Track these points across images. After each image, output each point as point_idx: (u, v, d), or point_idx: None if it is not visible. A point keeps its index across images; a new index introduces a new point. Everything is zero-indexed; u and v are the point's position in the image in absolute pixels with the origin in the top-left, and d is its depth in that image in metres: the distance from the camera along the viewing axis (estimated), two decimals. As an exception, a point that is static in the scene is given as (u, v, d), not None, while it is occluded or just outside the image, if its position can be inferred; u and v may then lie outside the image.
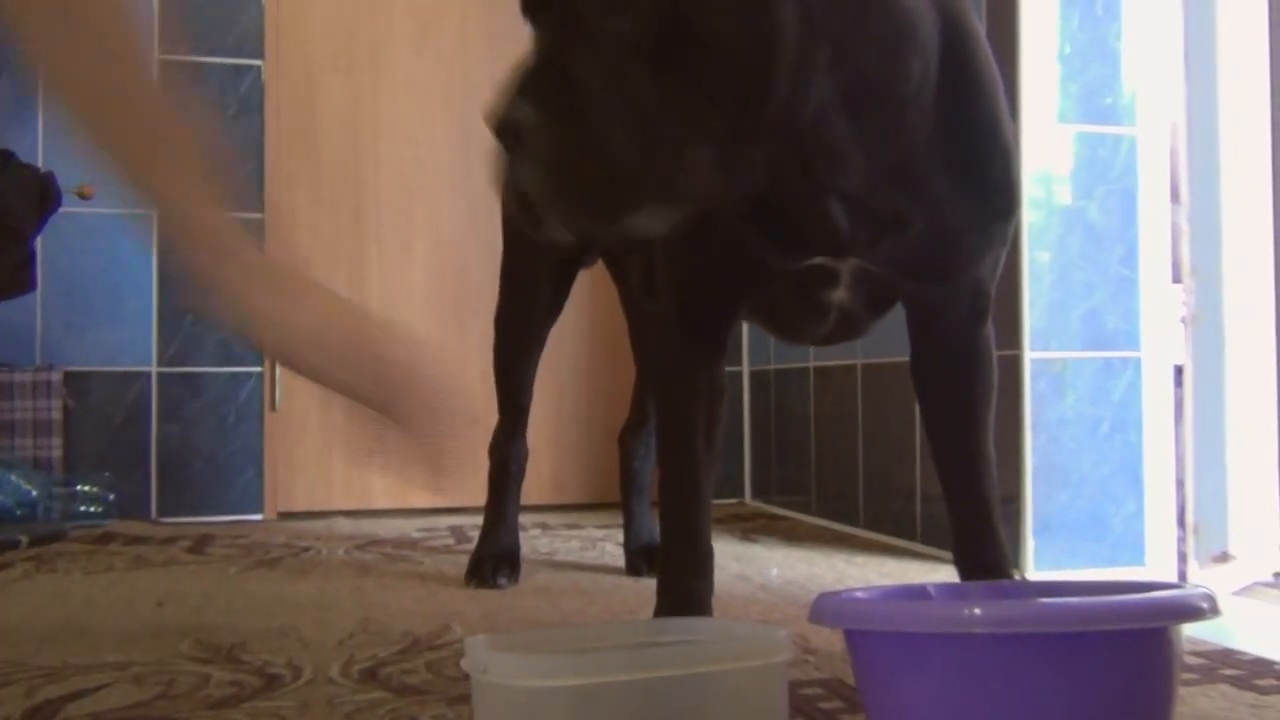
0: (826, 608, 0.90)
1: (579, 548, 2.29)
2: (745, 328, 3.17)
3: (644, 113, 0.86)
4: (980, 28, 1.17)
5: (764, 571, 1.97)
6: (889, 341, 2.40)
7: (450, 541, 2.38)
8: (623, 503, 2.03)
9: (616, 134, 0.85)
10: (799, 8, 0.90)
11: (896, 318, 2.41)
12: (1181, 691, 1.09)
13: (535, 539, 2.40)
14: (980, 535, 1.29)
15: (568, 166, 0.85)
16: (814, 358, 2.78)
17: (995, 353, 1.30)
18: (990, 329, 1.28)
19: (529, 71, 0.86)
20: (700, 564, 1.24)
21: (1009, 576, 1.30)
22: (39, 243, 2.59)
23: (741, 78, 0.89)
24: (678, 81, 0.87)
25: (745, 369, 3.19)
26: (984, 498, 1.29)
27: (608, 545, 2.28)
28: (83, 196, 2.75)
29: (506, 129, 0.85)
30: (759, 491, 3.08)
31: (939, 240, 1.13)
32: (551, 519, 2.79)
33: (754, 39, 0.88)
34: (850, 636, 0.90)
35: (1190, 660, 1.28)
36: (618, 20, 0.85)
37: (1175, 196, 2.07)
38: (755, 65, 0.89)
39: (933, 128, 1.05)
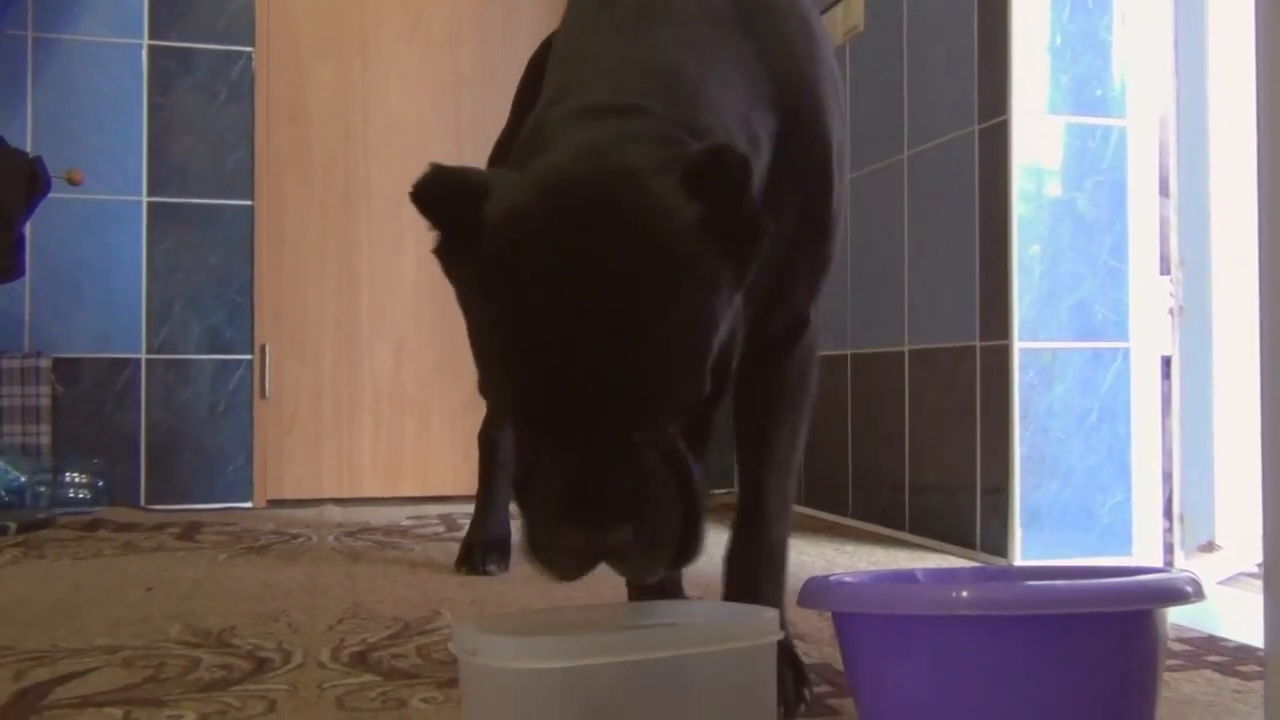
0: (815, 591, 0.90)
1: (569, 536, 2.29)
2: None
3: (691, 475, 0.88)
4: (821, 64, 1.13)
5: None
6: (879, 332, 2.41)
7: (440, 529, 2.38)
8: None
9: (688, 495, 0.87)
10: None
11: (887, 306, 2.42)
12: (1166, 677, 1.10)
13: (525, 527, 2.40)
14: (745, 550, 1.18)
15: (666, 543, 0.86)
16: (804, 348, 2.78)
17: (811, 372, 1.24)
18: (806, 350, 1.22)
19: (593, 492, 0.83)
20: None
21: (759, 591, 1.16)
22: (28, 228, 2.58)
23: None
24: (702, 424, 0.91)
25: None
26: (757, 504, 1.20)
27: (597, 533, 2.28)
28: (72, 182, 2.74)
29: (616, 551, 0.84)
30: (748, 481, 3.09)
31: (775, 280, 1.10)
32: (541, 508, 2.79)
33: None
34: (838, 620, 0.90)
35: (1175, 647, 1.29)
36: (663, 420, 0.84)
37: (1164, 189, 2.08)
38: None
39: (776, 186, 1.06)
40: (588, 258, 0.81)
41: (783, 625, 0.99)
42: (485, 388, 0.88)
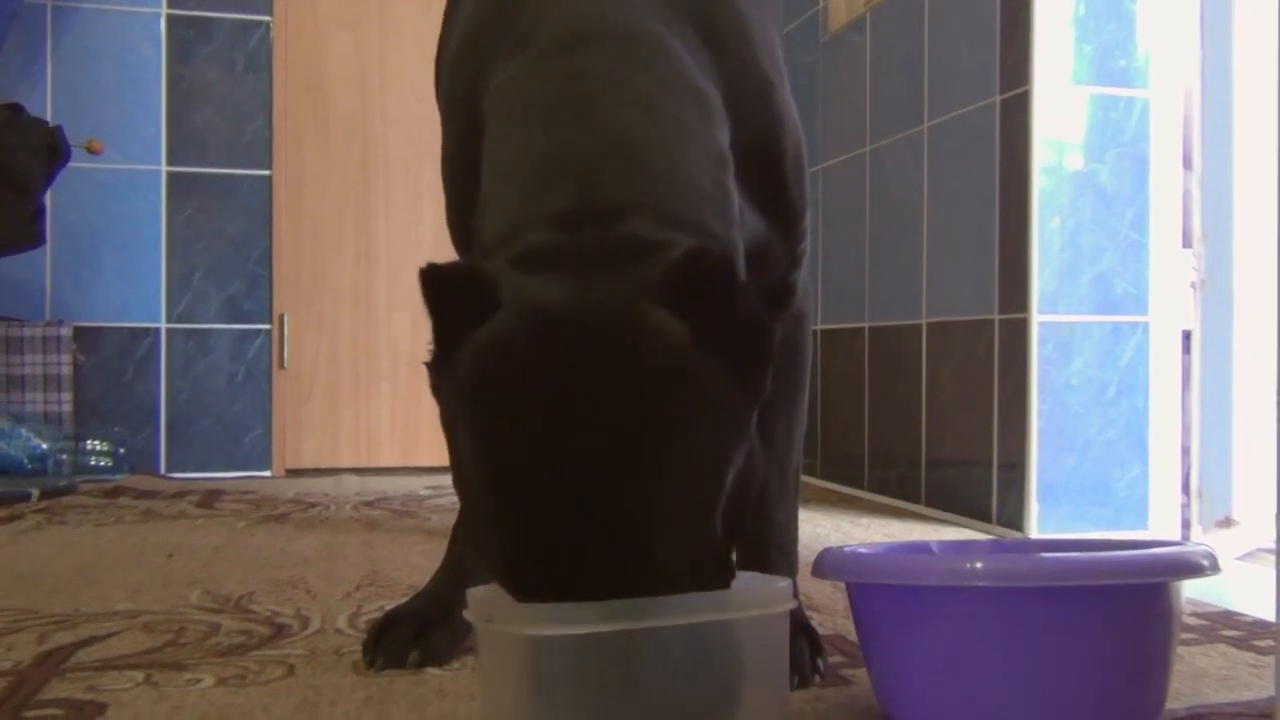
0: (829, 561, 0.90)
1: (585, 506, 2.30)
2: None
3: None
4: (771, 74, 1.06)
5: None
6: (896, 304, 2.40)
7: (456, 499, 2.39)
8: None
9: None
10: None
11: (905, 279, 2.41)
12: (1181, 651, 1.10)
13: (541, 497, 2.41)
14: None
15: None
16: (822, 320, 2.78)
17: (805, 342, 1.20)
18: (798, 317, 1.18)
19: None
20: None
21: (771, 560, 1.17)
22: (48, 197, 2.59)
23: None
24: None
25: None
26: (766, 500, 1.15)
27: (613, 504, 2.29)
28: (92, 151, 2.75)
29: None
30: (765, 454, 3.09)
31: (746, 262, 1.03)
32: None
33: None
34: (853, 590, 0.90)
35: (1191, 621, 1.29)
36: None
37: (1187, 162, 2.06)
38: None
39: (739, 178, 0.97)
40: (573, 401, 0.72)
41: (795, 597, 1.00)
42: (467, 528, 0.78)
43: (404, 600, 1.20)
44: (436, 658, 1.09)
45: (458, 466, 0.79)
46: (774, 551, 1.15)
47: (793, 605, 0.83)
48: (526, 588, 0.76)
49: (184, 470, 2.88)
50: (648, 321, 0.75)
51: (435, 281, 0.77)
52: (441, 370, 0.79)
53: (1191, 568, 0.83)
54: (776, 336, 0.80)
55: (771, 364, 0.80)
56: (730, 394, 0.77)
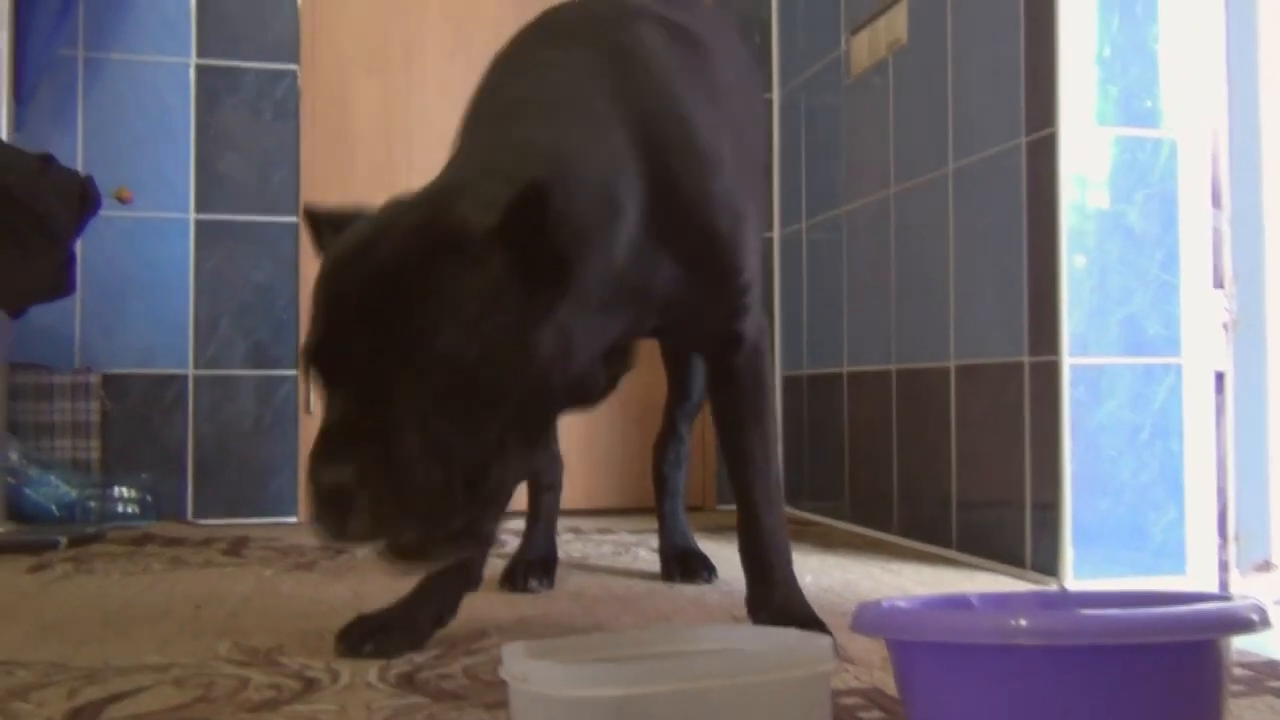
0: (870, 617, 0.89)
1: (612, 552, 2.29)
2: (778, 332, 3.15)
3: (460, 446, 0.99)
4: (690, 112, 1.28)
5: (798, 578, 1.95)
6: (924, 347, 2.39)
7: (483, 545, 2.38)
8: (656, 509, 2.03)
9: (441, 472, 0.98)
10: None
11: (932, 321, 2.39)
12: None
13: (568, 543, 2.40)
14: (752, 542, 1.43)
15: (399, 516, 0.99)
16: (848, 363, 2.76)
17: (764, 372, 1.43)
18: (750, 353, 1.40)
19: (337, 436, 0.98)
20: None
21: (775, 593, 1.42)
22: (78, 246, 2.62)
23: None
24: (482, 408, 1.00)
25: (779, 373, 3.17)
26: (751, 498, 1.42)
27: (640, 550, 2.28)
28: (121, 200, 2.78)
29: (334, 494, 0.96)
30: (792, 497, 3.07)
31: (677, 316, 1.32)
32: (584, 524, 2.79)
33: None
34: (893, 646, 0.89)
35: (1236, 672, 1.26)
36: (430, 380, 0.97)
37: (1216, 201, 2.04)
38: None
39: (654, 242, 1.20)
40: (369, 255, 1.01)
41: (787, 576, 1.43)
42: None
43: (431, 653, 1.19)
44: (386, 653, 1.31)
45: None
46: (771, 552, 1.41)
47: (833, 665, 0.82)
48: (311, 366, 1.02)
49: (210, 516, 2.88)
50: (452, 212, 1.02)
51: (313, 217, 1.19)
52: None
53: (1241, 623, 0.82)
54: (570, 277, 1.02)
55: (561, 293, 1.02)
56: (513, 288, 0.99)
